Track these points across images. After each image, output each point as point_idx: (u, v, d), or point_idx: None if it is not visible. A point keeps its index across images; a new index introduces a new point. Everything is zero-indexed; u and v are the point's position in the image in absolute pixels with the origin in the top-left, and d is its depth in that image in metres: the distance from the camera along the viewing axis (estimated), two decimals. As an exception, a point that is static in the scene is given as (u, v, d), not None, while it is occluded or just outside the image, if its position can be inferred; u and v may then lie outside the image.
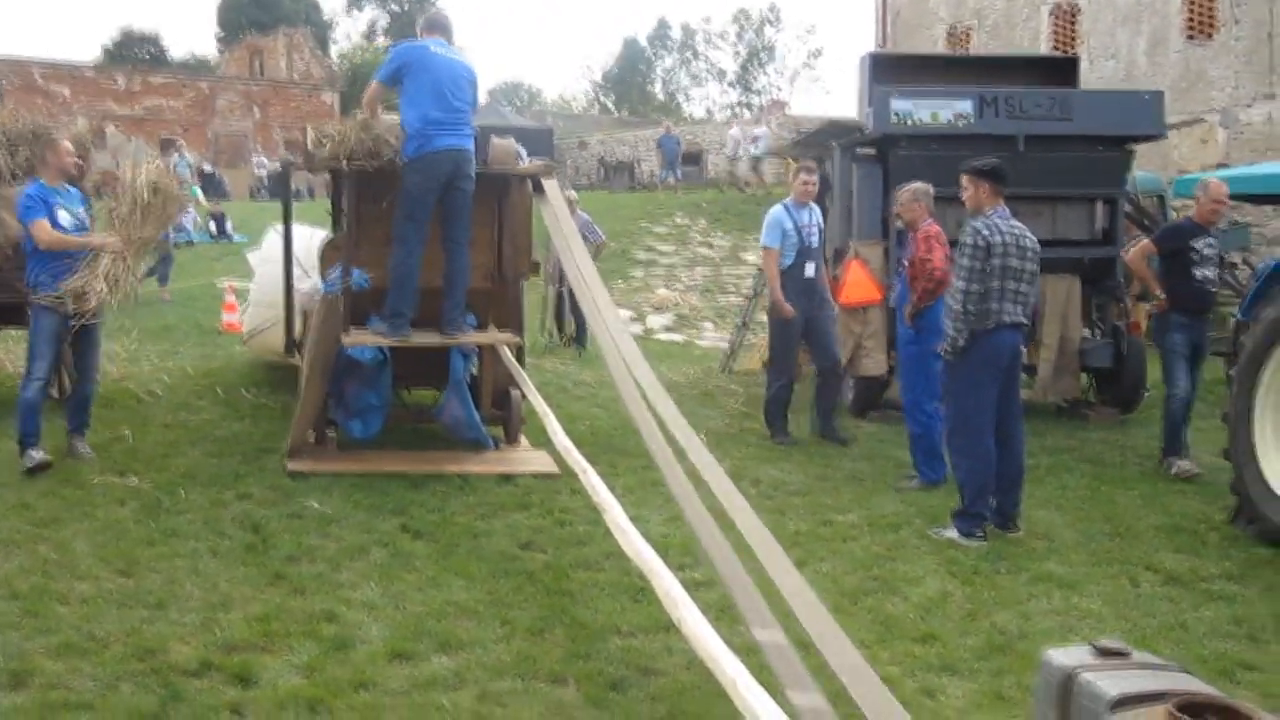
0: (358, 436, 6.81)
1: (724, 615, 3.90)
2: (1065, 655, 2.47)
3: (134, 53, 47.05)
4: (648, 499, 5.97)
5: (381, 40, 51.09)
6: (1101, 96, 10.34)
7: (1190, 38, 17.41)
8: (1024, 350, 6.01)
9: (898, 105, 8.47)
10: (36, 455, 6.11)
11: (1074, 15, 19.53)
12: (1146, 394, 8.89)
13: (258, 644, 4.05)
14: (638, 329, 14.46)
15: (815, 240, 7.81)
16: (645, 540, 3.93)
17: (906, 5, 22.81)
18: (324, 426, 6.74)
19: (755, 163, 26.40)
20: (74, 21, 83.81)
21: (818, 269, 7.82)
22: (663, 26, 60.12)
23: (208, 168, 30.06)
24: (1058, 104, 8.61)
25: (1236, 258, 12.95)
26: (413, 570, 4.90)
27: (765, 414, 8.01)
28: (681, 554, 4.99)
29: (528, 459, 6.85)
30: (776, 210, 7.85)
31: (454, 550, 5.18)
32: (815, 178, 7.97)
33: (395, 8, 53.79)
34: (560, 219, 6.59)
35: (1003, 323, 5.58)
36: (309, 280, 7.40)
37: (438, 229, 6.47)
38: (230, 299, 12.19)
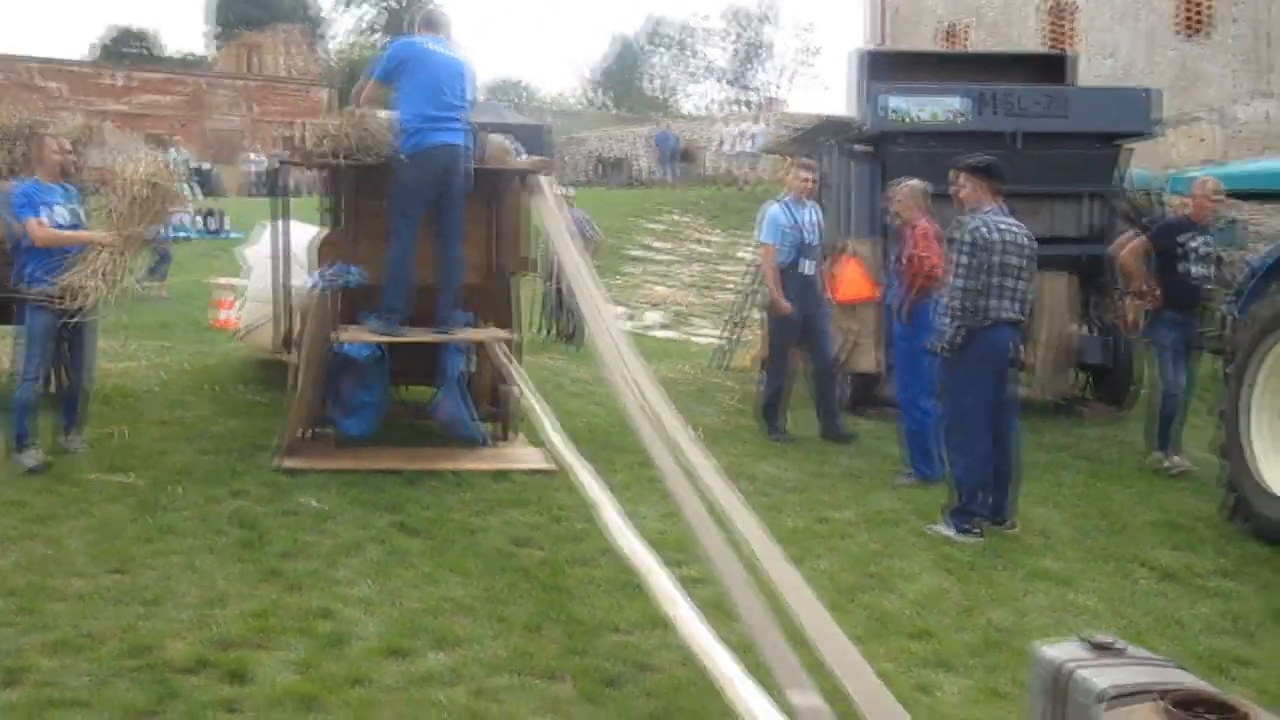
0: (353, 434, 6.79)
1: (718, 611, 3.90)
2: (1058, 650, 2.47)
3: (128, 49, 46.95)
4: (644, 495, 5.96)
5: (378, 36, 50.98)
6: (1098, 94, 10.35)
7: (1187, 36, 17.43)
8: (1020, 347, 6.02)
9: (895, 102, 8.46)
10: (32, 458, 6.07)
11: (1071, 13, 19.55)
12: (1138, 390, 8.88)
13: (253, 640, 4.04)
14: (633, 326, 14.44)
15: (814, 238, 7.79)
16: (640, 537, 3.93)
17: (905, 2, 22.82)
18: (319, 423, 6.72)
19: (752, 160, 26.41)
20: (64, 20, 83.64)
21: (816, 267, 7.82)
22: (653, 22, 59.81)
23: (206, 165, 29.98)
24: (1054, 101, 8.61)
25: (1234, 255, 12.93)
26: (408, 567, 4.89)
27: (761, 411, 8.01)
28: (677, 550, 4.98)
29: (523, 455, 6.84)
30: (774, 207, 7.83)
31: (449, 547, 5.18)
32: (814, 174, 7.96)
33: (390, 3, 53.64)
34: (554, 215, 6.58)
35: (1000, 320, 5.58)
36: (308, 277, 7.38)
37: (432, 225, 6.46)
38: (221, 295, 12.12)
